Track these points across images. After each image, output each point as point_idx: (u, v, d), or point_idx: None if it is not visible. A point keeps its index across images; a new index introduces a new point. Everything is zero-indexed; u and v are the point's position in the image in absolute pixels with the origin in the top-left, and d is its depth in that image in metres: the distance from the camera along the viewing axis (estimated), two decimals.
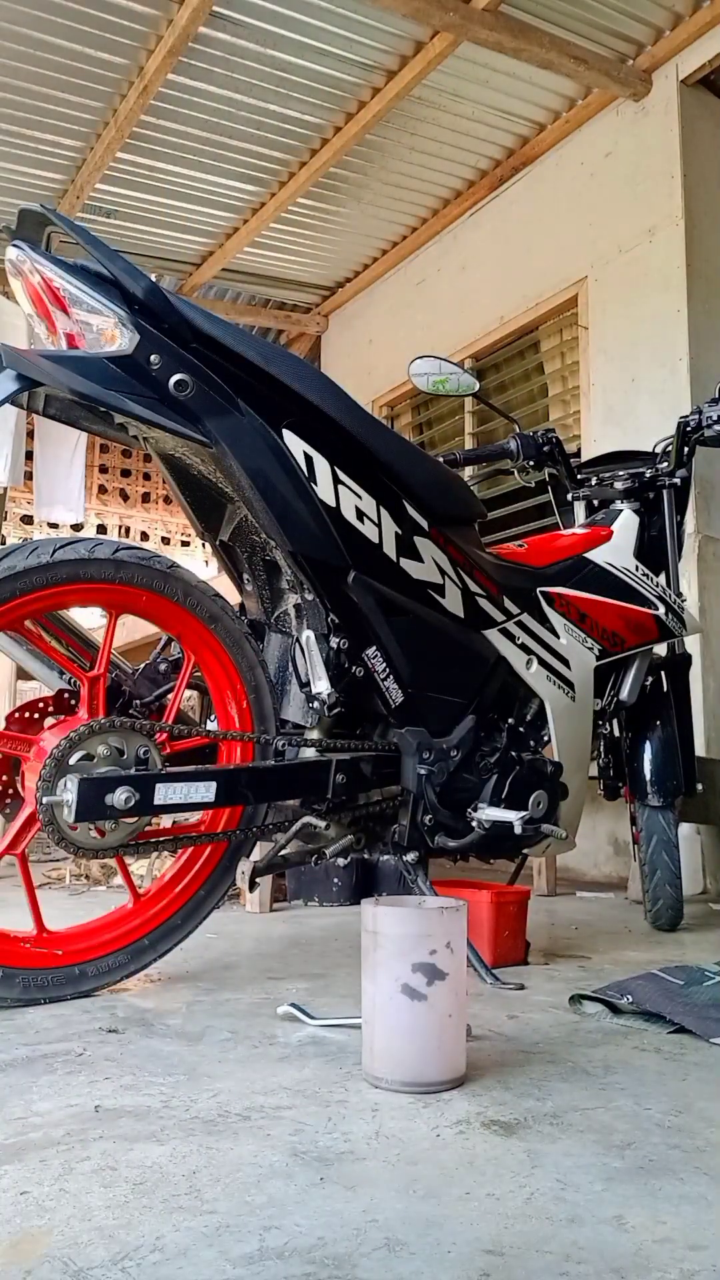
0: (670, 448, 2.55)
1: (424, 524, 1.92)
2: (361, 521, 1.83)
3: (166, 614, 1.76)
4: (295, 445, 1.75)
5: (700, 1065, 1.36)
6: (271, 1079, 1.27)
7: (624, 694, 2.41)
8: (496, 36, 3.62)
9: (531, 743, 2.13)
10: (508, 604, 2.09)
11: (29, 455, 5.35)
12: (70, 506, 5.29)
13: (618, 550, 2.37)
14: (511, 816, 1.94)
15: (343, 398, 1.82)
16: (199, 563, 7.59)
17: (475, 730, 2.01)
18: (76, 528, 5.91)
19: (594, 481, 2.58)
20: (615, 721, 2.53)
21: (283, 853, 1.91)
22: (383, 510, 1.86)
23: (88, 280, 1.61)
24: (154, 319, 1.63)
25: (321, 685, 1.82)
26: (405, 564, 1.89)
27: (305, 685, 1.86)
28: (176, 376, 1.63)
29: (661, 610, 2.39)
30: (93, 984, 1.71)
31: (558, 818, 2.11)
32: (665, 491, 2.50)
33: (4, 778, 1.77)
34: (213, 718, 1.88)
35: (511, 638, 2.09)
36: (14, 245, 1.64)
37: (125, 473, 7.65)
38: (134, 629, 4.65)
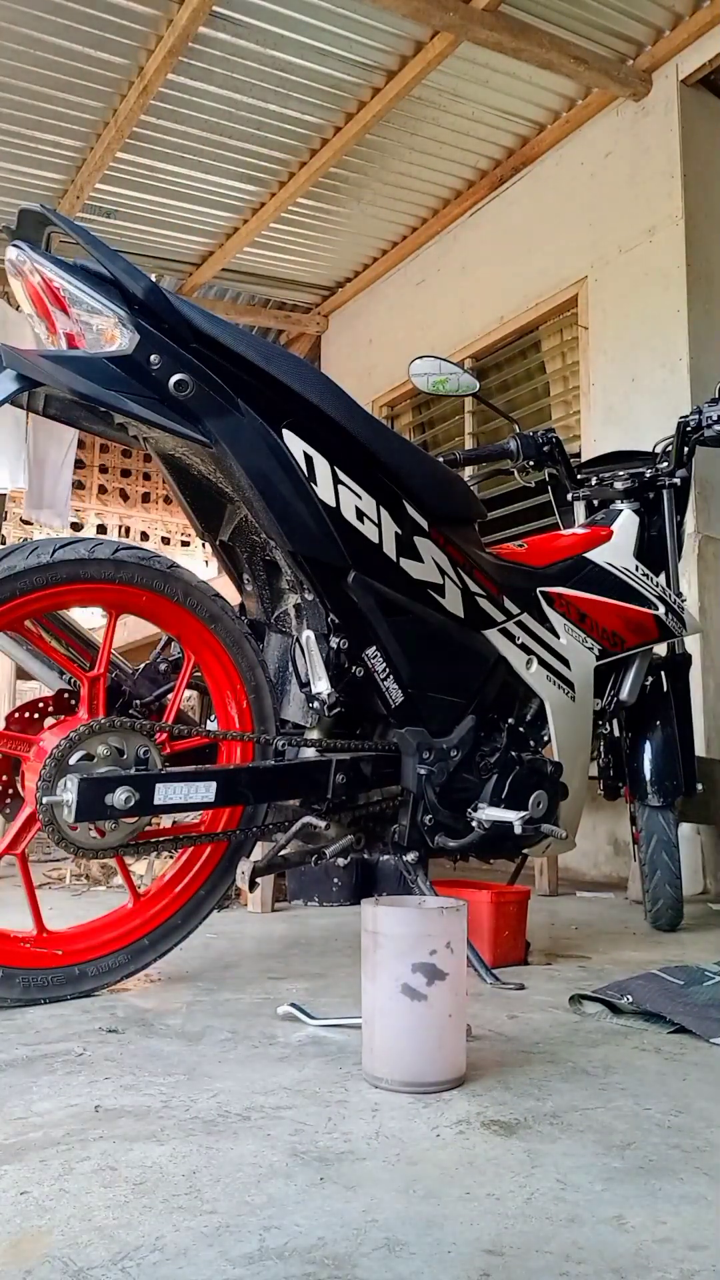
0: (670, 448, 2.55)
1: (424, 524, 1.92)
2: (361, 521, 1.83)
3: (166, 614, 1.76)
4: (295, 445, 1.75)
5: (700, 1065, 1.36)
6: (271, 1079, 1.27)
7: (624, 694, 2.41)
8: (496, 36, 3.62)
9: (531, 743, 2.13)
10: (508, 604, 2.09)
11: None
12: (57, 511, 5.28)
13: (618, 550, 2.37)
14: (511, 816, 1.94)
15: (343, 398, 1.82)
16: (199, 563, 7.59)
17: (475, 730, 2.01)
18: (76, 527, 5.89)
19: (594, 481, 2.58)
20: (615, 721, 2.53)
21: (283, 853, 1.91)
22: (383, 510, 1.86)
23: (88, 280, 1.61)
24: (154, 319, 1.63)
25: (321, 685, 1.82)
26: (405, 564, 1.89)
27: (305, 685, 1.86)
28: (176, 376, 1.63)
29: (661, 610, 2.39)
30: (93, 984, 1.71)
31: (558, 818, 2.12)
32: (665, 491, 2.50)
33: (4, 778, 1.77)
34: (213, 718, 1.88)
35: (511, 638, 2.09)
36: (14, 245, 1.64)
37: (125, 473, 7.64)
38: (134, 629, 4.65)
